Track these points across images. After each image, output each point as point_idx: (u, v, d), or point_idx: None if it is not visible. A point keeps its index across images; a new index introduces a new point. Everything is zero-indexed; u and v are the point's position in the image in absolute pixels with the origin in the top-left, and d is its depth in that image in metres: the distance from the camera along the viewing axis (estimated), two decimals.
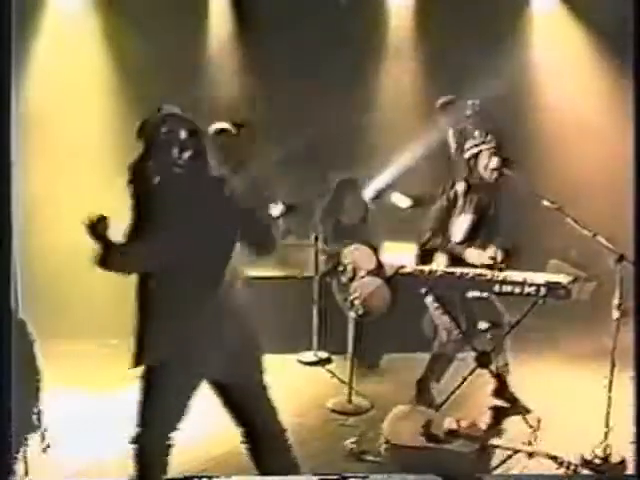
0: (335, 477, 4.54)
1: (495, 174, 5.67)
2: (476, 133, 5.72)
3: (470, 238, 5.71)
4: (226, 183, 3.86)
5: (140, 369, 3.79)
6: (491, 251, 5.59)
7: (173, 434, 3.86)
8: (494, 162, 5.64)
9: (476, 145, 5.72)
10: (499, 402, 5.24)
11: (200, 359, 3.77)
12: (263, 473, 4.08)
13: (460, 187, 5.73)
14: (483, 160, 5.70)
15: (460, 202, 5.72)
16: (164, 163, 3.78)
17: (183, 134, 3.82)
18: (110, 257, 3.76)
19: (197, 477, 4.66)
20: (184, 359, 3.73)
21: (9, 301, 4.01)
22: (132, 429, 3.87)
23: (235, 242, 3.89)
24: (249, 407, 4.00)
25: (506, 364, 5.68)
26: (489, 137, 5.70)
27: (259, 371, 4.04)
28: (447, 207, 5.76)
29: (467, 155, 5.75)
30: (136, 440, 3.83)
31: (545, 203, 5.32)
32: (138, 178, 3.76)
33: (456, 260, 5.62)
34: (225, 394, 4.00)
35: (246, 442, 4.07)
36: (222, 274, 3.79)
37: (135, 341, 3.77)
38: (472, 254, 5.63)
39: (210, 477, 4.66)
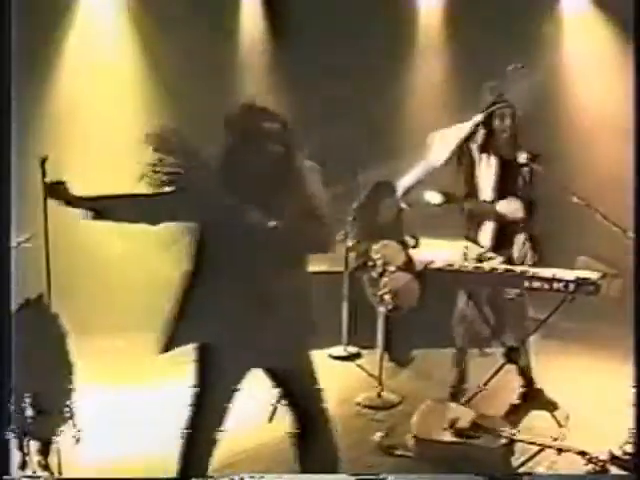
0: (371, 477, 4.52)
1: (507, 132, 5.68)
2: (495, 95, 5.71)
3: (500, 192, 5.71)
4: (309, 182, 3.75)
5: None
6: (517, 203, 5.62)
7: (222, 422, 3.79)
8: (507, 123, 5.66)
9: (491, 105, 5.71)
10: (525, 398, 5.26)
11: (245, 342, 3.65)
12: (304, 461, 3.95)
13: (474, 145, 5.75)
14: (496, 120, 5.69)
15: (477, 156, 5.75)
16: (253, 155, 3.68)
17: (272, 126, 3.71)
18: (109, 209, 3.79)
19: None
20: (229, 341, 3.66)
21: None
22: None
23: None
24: (297, 388, 3.90)
25: (528, 362, 5.67)
26: (504, 99, 5.70)
27: (306, 358, 3.94)
28: (468, 164, 5.80)
29: (480, 117, 5.73)
30: (188, 424, 3.77)
31: (574, 199, 5.32)
32: (228, 166, 3.68)
33: (502, 227, 5.67)
34: (274, 376, 3.93)
35: (294, 428, 3.95)
36: (270, 262, 3.65)
37: (169, 324, 3.69)
38: (502, 205, 5.65)
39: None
